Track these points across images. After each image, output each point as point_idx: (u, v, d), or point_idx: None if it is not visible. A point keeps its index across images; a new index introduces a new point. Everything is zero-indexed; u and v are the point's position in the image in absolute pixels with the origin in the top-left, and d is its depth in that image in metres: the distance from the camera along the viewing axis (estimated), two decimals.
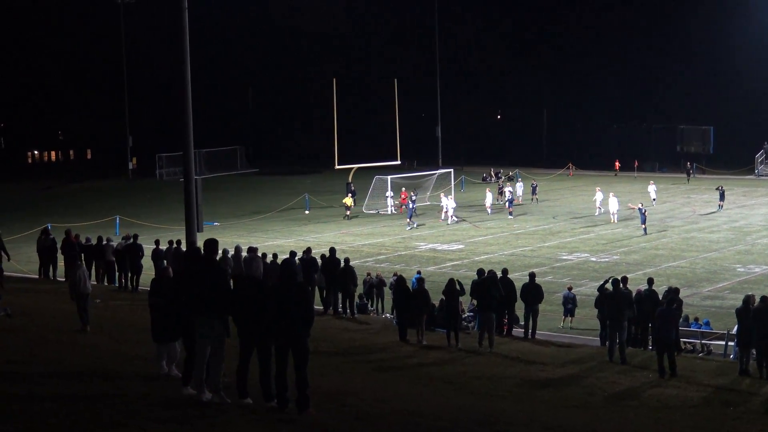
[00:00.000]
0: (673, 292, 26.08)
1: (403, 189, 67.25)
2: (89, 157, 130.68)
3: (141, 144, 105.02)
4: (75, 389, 15.16)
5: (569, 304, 32.66)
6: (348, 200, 63.44)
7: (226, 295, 14.65)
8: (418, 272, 34.95)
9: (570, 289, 33.55)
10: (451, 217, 59.79)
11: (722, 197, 62.88)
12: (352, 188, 66.81)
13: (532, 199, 69.57)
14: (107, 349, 21.05)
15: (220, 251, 20.89)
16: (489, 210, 62.92)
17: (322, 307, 31.28)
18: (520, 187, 71.72)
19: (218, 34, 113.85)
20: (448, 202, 60.70)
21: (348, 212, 62.83)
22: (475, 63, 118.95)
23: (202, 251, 15.28)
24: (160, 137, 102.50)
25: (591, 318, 31.12)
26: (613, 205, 57.85)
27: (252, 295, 14.55)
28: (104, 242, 36.86)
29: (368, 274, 35.66)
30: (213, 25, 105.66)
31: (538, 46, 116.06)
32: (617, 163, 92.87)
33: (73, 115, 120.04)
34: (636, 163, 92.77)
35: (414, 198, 60.64)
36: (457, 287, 26.94)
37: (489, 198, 63.64)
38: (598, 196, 61.77)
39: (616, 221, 57.18)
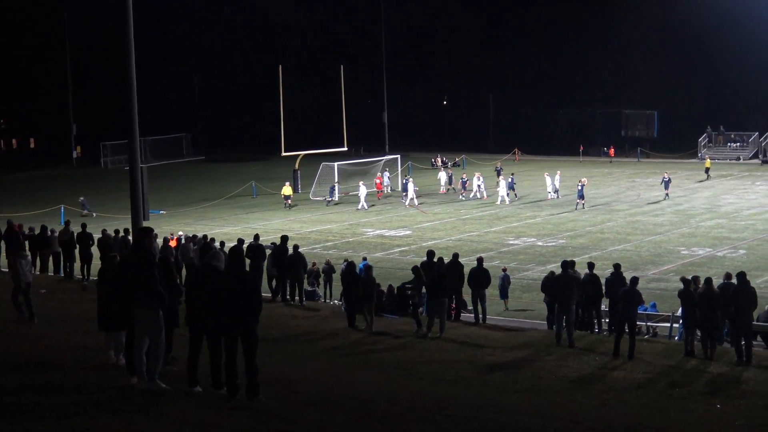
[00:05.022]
0: (617, 268, 26.40)
1: (379, 174, 68.19)
2: (33, 145, 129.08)
3: (85, 132, 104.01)
4: (23, 380, 15.04)
5: (504, 285, 32.97)
6: (286, 189, 62.67)
7: (155, 284, 14.60)
8: (364, 259, 35.00)
9: (504, 270, 33.80)
10: (362, 204, 60.28)
11: (667, 186, 61.41)
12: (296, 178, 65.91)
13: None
14: (55, 339, 20.90)
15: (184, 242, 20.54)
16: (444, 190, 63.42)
17: (269, 294, 31.25)
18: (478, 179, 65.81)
19: (164, 20, 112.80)
20: (361, 189, 61.07)
21: (288, 201, 61.94)
22: (421, 49, 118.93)
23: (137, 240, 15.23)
24: (105, 125, 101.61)
25: (537, 301, 31.38)
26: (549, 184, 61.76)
27: (203, 283, 14.51)
28: (49, 233, 36.51)
29: (314, 264, 35.45)
30: (159, 11, 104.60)
31: (483, 31, 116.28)
32: (611, 151, 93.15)
33: (15, 103, 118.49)
34: (582, 148, 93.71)
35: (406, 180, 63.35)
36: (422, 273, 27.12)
37: (443, 178, 64.01)
38: (502, 185, 61.74)
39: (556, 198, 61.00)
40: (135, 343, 14.68)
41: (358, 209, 59.50)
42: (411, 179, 64.47)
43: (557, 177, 62.99)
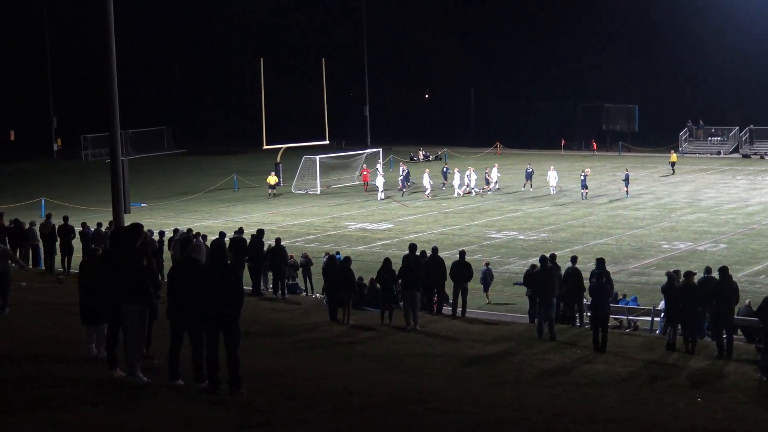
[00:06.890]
0: (599, 264, 26.28)
1: (365, 166, 69.37)
2: (13, 138, 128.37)
3: (66, 125, 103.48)
4: (3, 373, 14.94)
5: (486, 279, 33.01)
6: (271, 179, 63.95)
7: (146, 282, 14.57)
8: (337, 252, 34.92)
9: (487, 264, 33.83)
10: (381, 192, 61.34)
11: (627, 182, 59.46)
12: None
13: (525, 184, 64.76)
14: (35, 332, 20.78)
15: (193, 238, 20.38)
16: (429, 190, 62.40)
17: (251, 288, 31.19)
18: (468, 175, 63.57)
19: (144, 11, 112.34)
20: (380, 179, 62.21)
21: (272, 191, 63.39)
22: (402, 42, 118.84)
23: (125, 235, 15.18)
24: (86, 118, 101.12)
25: (519, 295, 31.38)
26: (489, 177, 63.18)
27: (184, 276, 14.46)
28: (28, 225, 36.30)
29: (291, 257, 35.30)
30: (139, 3, 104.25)
31: (465, 25, 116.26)
32: (594, 144, 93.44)
33: None
34: (563, 142, 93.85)
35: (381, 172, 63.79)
36: (392, 268, 27.12)
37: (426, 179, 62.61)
38: (455, 176, 62.63)
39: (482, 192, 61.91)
40: (127, 337, 14.69)
41: (380, 199, 60.50)
42: (428, 171, 64.15)
43: (553, 172, 62.16)
